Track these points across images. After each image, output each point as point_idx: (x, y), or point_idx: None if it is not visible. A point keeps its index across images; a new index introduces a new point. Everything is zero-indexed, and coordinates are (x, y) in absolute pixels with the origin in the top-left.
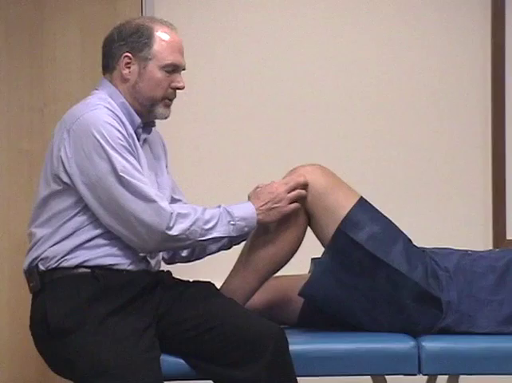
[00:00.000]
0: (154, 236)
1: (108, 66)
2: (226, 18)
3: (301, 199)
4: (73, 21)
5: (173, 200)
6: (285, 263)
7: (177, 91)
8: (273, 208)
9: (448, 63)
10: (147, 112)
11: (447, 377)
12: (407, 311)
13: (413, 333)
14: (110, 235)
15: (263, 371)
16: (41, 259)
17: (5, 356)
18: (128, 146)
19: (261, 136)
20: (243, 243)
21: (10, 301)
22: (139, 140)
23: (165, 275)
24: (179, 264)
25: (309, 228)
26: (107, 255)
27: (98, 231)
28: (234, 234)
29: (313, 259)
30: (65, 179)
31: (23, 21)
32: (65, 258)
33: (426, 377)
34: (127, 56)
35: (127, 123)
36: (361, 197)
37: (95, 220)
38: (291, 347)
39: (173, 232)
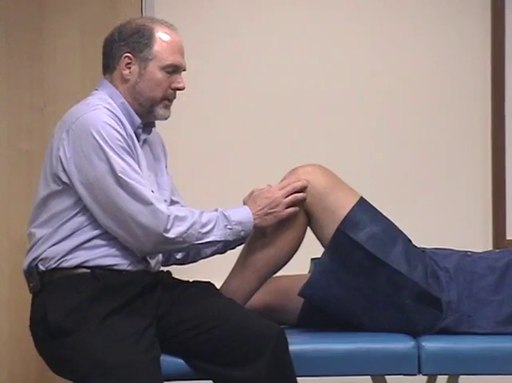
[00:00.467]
0: (151, 238)
1: (109, 66)
2: (227, 19)
3: (298, 203)
4: (73, 21)
5: (171, 202)
6: (285, 263)
7: (177, 92)
8: (269, 213)
9: (448, 63)
10: (147, 112)
11: (446, 377)
12: (407, 311)
13: (413, 333)
14: (109, 236)
15: (263, 371)
16: (41, 259)
17: (5, 356)
18: (126, 147)
19: (261, 136)
20: (239, 247)
21: (10, 301)
22: (138, 140)
23: (165, 275)
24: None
25: (308, 228)
26: (106, 256)
27: (97, 232)
28: (230, 239)
29: (312, 259)
30: (64, 178)
31: (23, 21)
32: (65, 258)
33: (426, 377)
34: (127, 56)
35: (126, 123)
36: (361, 197)
37: (94, 221)
38: (291, 347)
39: (170, 235)
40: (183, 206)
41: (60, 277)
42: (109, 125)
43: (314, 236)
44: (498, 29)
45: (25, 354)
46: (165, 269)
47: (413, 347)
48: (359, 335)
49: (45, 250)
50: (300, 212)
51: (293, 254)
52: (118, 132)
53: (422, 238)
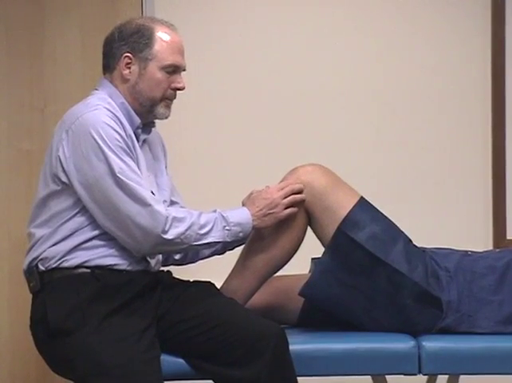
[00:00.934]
0: (149, 239)
1: (109, 66)
2: (227, 19)
3: (297, 203)
4: (73, 21)
5: (171, 202)
6: (286, 263)
7: (177, 91)
8: (268, 214)
9: (448, 62)
10: (147, 112)
11: (447, 376)
12: (407, 311)
13: (413, 332)
14: (109, 236)
15: (263, 371)
16: (41, 259)
17: (5, 356)
18: (126, 148)
19: (260, 136)
20: (238, 248)
21: (10, 301)
22: (138, 140)
23: (165, 275)
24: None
25: (309, 228)
26: (106, 256)
27: (97, 232)
28: (228, 240)
29: (313, 259)
30: (64, 178)
31: (23, 21)
32: (65, 258)
33: (426, 376)
34: (127, 56)
35: (126, 124)
36: (361, 197)
37: (94, 221)
38: (291, 347)
39: (168, 236)
40: (182, 206)
41: (60, 277)
42: (108, 126)
43: (314, 236)
44: (499, 28)
45: (25, 354)
46: (165, 269)
47: (413, 347)
48: (359, 335)
49: (44, 250)
50: (300, 212)
51: (294, 254)
52: (117, 132)
53: (422, 238)
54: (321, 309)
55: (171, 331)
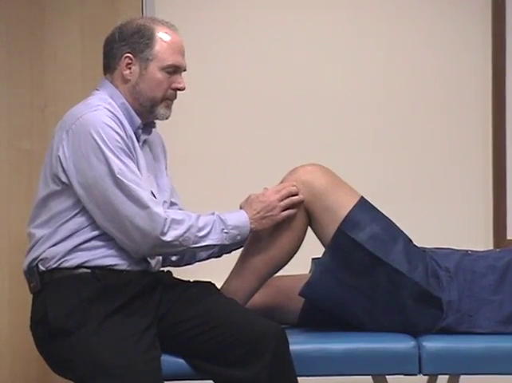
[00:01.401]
0: (147, 241)
1: (109, 66)
2: (227, 19)
3: (295, 205)
4: (73, 21)
5: (170, 204)
6: (286, 264)
7: (178, 92)
8: (266, 217)
9: (449, 62)
10: (147, 112)
11: (447, 376)
12: (407, 311)
13: (413, 333)
14: (109, 236)
15: (264, 371)
16: (41, 260)
17: (5, 356)
18: (126, 148)
19: (260, 137)
20: (235, 251)
21: (11, 301)
22: (138, 141)
23: (165, 275)
24: None
25: (309, 228)
26: (106, 256)
27: (97, 232)
28: (226, 243)
29: (313, 259)
30: (64, 178)
31: (23, 21)
32: (65, 258)
33: (426, 377)
34: (128, 56)
35: (126, 124)
36: (362, 197)
37: (94, 221)
38: (291, 347)
39: (167, 238)
40: (180, 208)
41: (60, 277)
42: (109, 126)
43: (315, 236)
44: (499, 28)
45: (25, 354)
46: (165, 269)
47: (414, 347)
48: (359, 335)
49: (44, 251)
50: (300, 212)
51: (294, 254)
52: (117, 133)
53: (422, 238)
54: (321, 309)
55: (172, 331)
